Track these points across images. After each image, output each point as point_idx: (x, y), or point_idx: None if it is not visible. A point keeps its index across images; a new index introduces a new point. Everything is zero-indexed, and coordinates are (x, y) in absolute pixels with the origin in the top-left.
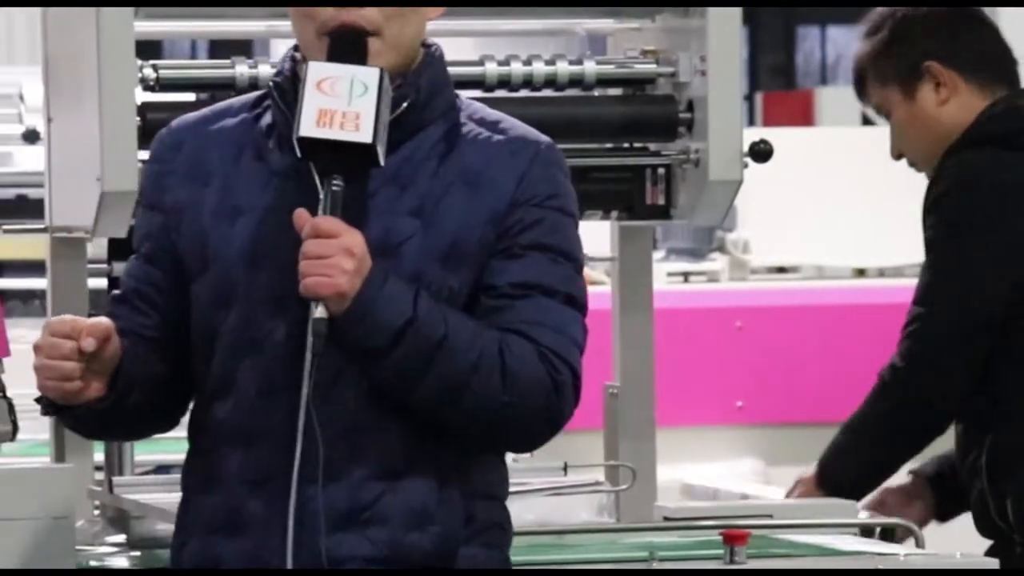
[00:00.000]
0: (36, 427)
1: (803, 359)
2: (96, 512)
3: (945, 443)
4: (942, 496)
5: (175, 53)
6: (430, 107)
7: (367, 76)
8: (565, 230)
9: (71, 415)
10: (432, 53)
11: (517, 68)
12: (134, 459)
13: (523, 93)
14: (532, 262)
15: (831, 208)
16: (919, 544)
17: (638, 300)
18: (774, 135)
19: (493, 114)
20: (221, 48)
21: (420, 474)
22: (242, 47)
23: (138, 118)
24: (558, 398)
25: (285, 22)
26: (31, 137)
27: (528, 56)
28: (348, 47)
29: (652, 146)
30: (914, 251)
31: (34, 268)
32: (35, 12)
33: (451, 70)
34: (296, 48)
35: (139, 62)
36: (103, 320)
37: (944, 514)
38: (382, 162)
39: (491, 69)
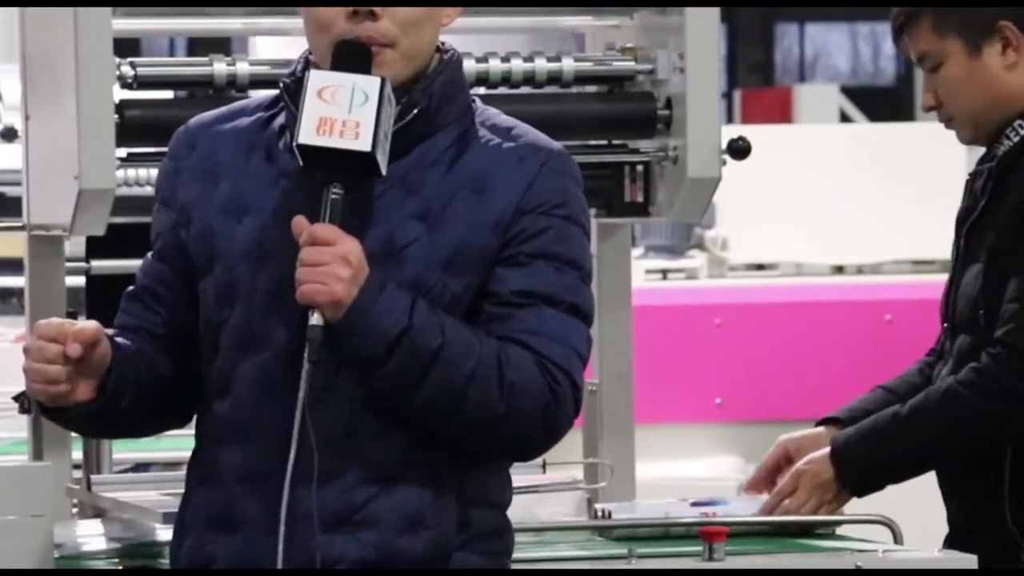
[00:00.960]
0: (14, 425)
1: (782, 356)
2: (74, 510)
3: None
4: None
5: (153, 51)
6: (442, 112)
7: (368, 85)
8: (572, 239)
9: (59, 417)
10: (447, 59)
11: (496, 65)
12: (112, 457)
13: (502, 90)
14: (536, 271)
15: (809, 205)
16: (897, 540)
17: (617, 297)
18: (752, 132)
19: (507, 121)
20: (199, 46)
21: (415, 479)
22: (220, 44)
23: (116, 116)
24: (557, 409)
25: (263, 19)
26: (9, 135)
27: (506, 53)
28: (353, 56)
29: (631, 143)
30: (892, 248)
31: (11, 266)
32: (12, 10)
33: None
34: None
35: (117, 60)
36: (90, 324)
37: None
38: (384, 171)
39: (469, 66)
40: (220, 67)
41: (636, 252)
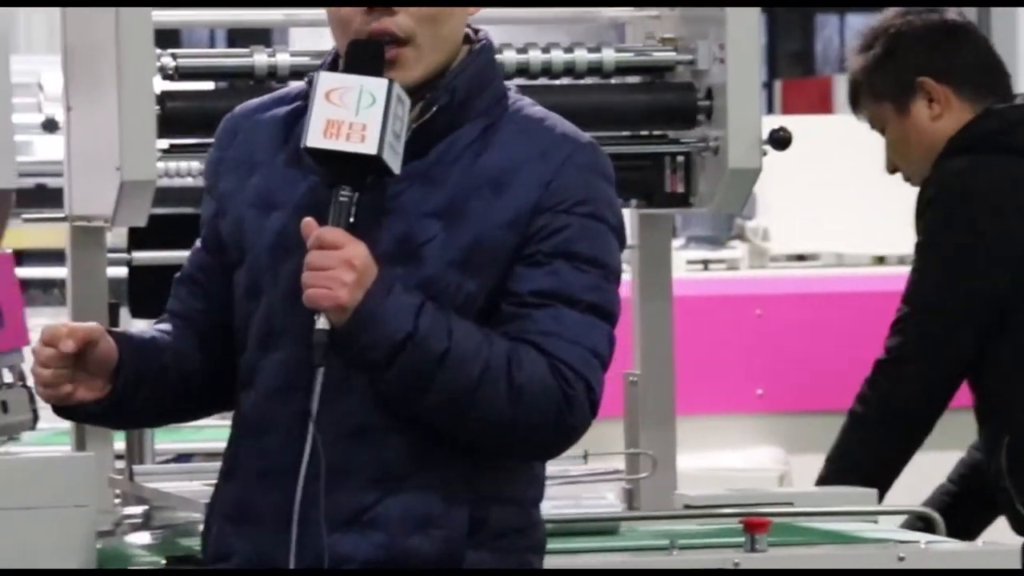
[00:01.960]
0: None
1: (823, 347)
2: (116, 500)
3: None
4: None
5: (193, 42)
6: (468, 106)
7: (375, 87)
8: (595, 237)
9: (68, 416)
10: (476, 50)
11: (536, 56)
12: (155, 447)
13: (542, 81)
14: (555, 270)
15: (850, 195)
16: (940, 532)
17: (658, 288)
18: (793, 123)
19: (538, 112)
20: (239, 37)
21: (425, 479)
22: (260, 35)
23: (157, 107)
24: (569, 413)
25: (303, 11)
26: (50, 126)
27: (547, 44)
28: (366, 56)
29: (671, 134)
30: None
31: (54, 257)
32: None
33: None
34: None
35: (158, 51)
36: (87, 324)
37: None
38: (397, 170)
39: (509, 57)
40: (261, 58)
41: (677, 243)
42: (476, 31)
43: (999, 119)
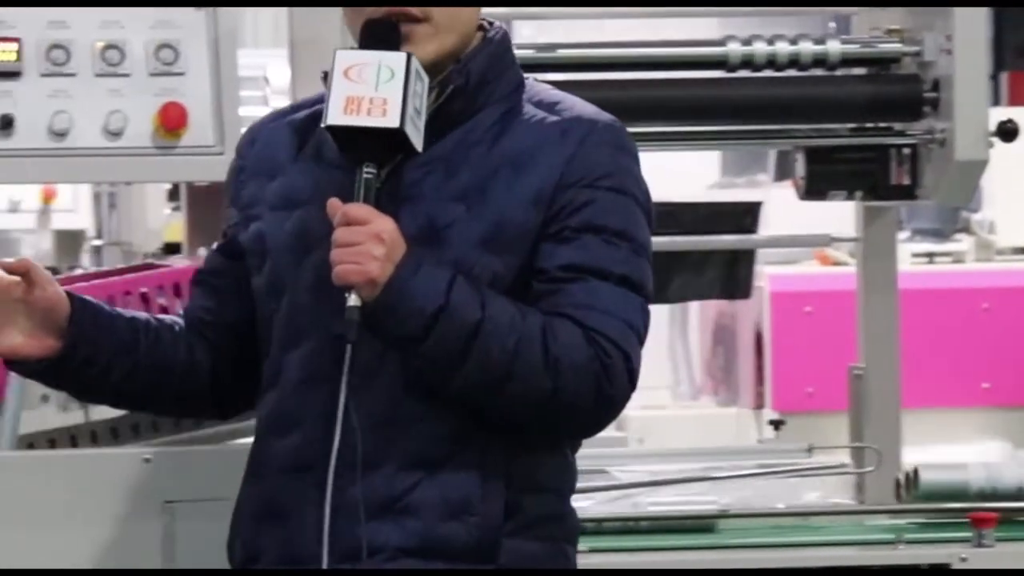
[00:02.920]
0: None
1: None
2: None
3: None
4: None
5: None
6: (484, 91)
7: (394, 61)
8: (621, 210)
9: (16, 368)
10: (491, 37)
11: (760, 48)
12: None
13: (766, 73)
14: (583, 244)
15: None
16: None
17: (883, 281)
18: (1021, 114)
19: (554, 95)
20: None
21: (462, 464)
22: None
23: None
24: (608, 382)
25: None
26: None
27: (771, 36)
28: (382, 33)
29: (897, 126)
30: None
31: None
32: None
33: (693, 51)
34: None
35: None
36: (21, 259)
37: None
38: (419, 147)
39: (734, 49)
40: None
41: (902, 235)
42: (490, 23)
43: None
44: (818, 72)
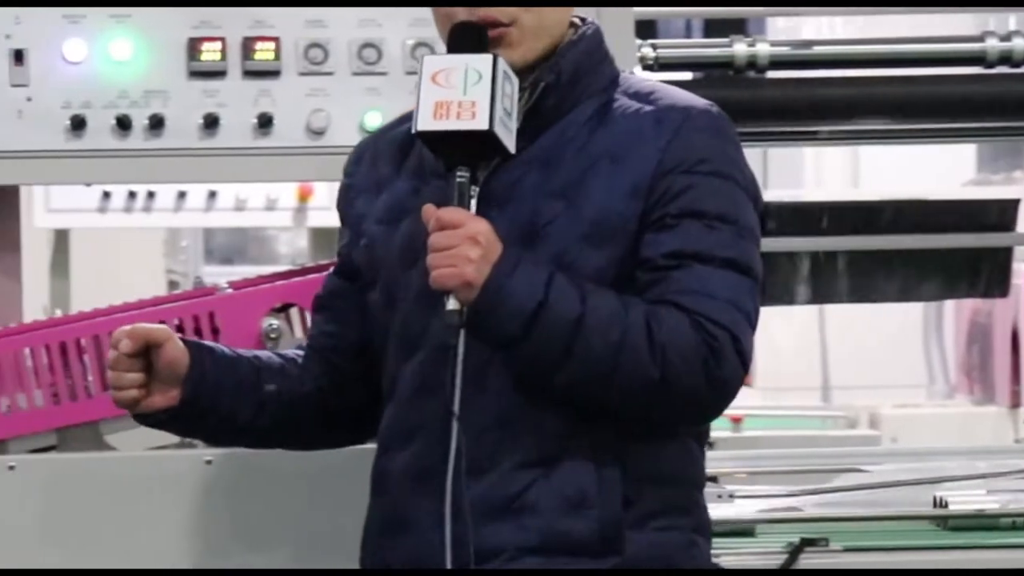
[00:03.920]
0: None
1: None
2: None
3: None
4: None
5: (670, 32)
6: (577, 87)
7: (481, 64)
8: (722, 194)
9: (144, 421)
10: (583, 32)
11: (992, 45)
12: None
13: (999, 70)
14: (684, 230)
15: None
16: None
17: None
18: None
19: (649, 85)
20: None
21: (576, 459)
22: (737, 24)
23: None
24: (718, 366)
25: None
26: None
27: (1008, 32)
28: (468, 36)
29: None
30: None
31: None
32: None
33: (950, 47)
34: None
35: (638, 41)
36: (154, 326)
37: None
38: (511, 147)
39: (992, 45)
40: (740, 48)
41: None
42: (583, 20)
43: None
44: None
